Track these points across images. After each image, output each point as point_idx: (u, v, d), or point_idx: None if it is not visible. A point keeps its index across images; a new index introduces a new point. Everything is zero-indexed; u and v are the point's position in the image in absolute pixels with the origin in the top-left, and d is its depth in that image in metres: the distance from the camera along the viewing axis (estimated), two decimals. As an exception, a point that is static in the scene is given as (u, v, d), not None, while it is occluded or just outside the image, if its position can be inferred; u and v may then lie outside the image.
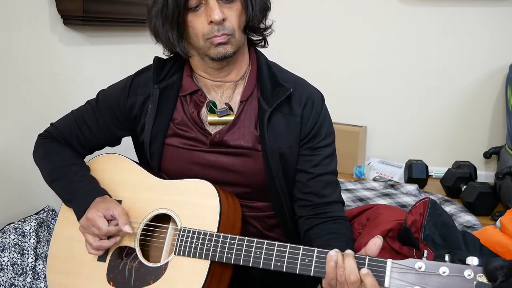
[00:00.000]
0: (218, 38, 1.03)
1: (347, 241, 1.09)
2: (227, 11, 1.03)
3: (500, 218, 1.70)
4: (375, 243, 0.90)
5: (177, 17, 1.04)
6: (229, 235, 1.02)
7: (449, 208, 2.22)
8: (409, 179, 2.61)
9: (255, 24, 1.09)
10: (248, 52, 1.17)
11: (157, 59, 1.18)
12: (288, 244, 0.96)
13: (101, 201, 1.12)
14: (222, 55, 1.05)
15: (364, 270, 0.87)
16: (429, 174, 2.68)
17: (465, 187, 2.35)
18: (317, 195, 1.15)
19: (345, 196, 2.39)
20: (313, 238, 1.11)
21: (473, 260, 0.81)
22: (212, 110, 1.14)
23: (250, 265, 0.99)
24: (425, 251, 0.86)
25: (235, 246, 1.01)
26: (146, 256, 1.13)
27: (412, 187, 2.47)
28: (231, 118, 1.13)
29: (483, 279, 0.79)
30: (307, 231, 1.15)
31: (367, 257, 0.88)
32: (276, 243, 0.97)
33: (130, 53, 2.07)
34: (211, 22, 1.02)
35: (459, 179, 2.42)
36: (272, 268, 0.96)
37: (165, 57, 1.20)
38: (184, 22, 1.06)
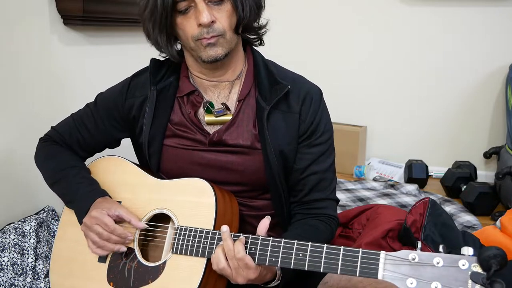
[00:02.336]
0: (207, 40, 1.03)
1: (313, 237, 1.09)
2: (216, 12, 1.03)
3: (500, 218, 1.70)
4: (263, 223, 0.99)
5: (165, 21, 1.04)
6: None
7: (449, 208, 2.22)
8: (409, 179, 2.61)
9: (247, 23, 1.08)
10: (243, 52, 1.17)
11: (153, 61, 1.19)
12: (283, 240, 0.96)
13: (103, 201, 1.13)
14: (213, 58, 1.06)
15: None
16: (429, 174, 2.68)
17: (465, 187, 2.35)
18: (305, 192, 1.16)
19: (345, 196, 2.39)
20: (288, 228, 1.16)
21: (468, 250, 0.80)
22: (209, 110, 1.14)
23: None
24: (419, 242, 0.85)
25: None
26: (145, 256, 1.13)
27: (412, 187, 2.47)
28: (228, 117, 1.13)
29: (477, 268, 0.78)
30: (292, 223, 1.18)
31: (360, 250, 0.88)
32: (271, 238, 0.97)
33: (130, 53, 2.07)
34: (200, 24, 1.02)
35: (459, 179, 2.42)
36: (267, 264, 0.97)
37: (162, 59, 1.20)
38: (174, 25, 1.06)
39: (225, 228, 0.98)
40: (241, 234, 0.99)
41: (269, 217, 1.00)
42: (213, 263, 0.99)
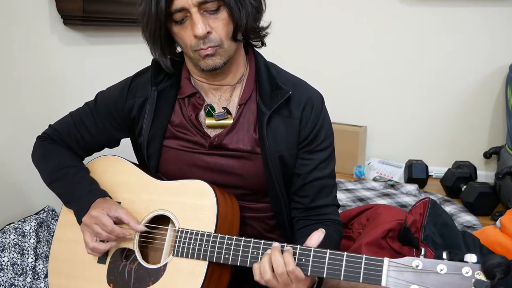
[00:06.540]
0: (205, 51, 1.02)
1: (330, 243, 1.08)
2: (212, 22, 1.01)
3: (500, 218, 1.70)
4: (318, 237, 0.95)
5: (159, 33, 1.04)
6: (227, 236, 1.02)
7: (449, 208, 2.22)
8: (409, 179, 2.60)
9: (246, 28, 1.06)
10: (244, 54, 1.16)
11: (155, 61, 1.18)
12: (286, 244, 0.95)
13: (104, 201, 1.13)
14: (211, 67, 1.05)
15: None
16: (429, 174, 2.67)
17: (465, 187, 2.35)
18: (311, 199, 1.15)
19: (345, 196, 2.39)
20: (298, 238, 1.13)
21: (471, 258, 0.81)
22: (210, 113, 1.13)
23: (248, 265, 0.99)
24: (423, 249, 0.86)
25: (232, 247, 1.01)
26: (145, 257, 1.13)
27: (412, 187, 2.47)
28: (229, 121, 1.13)
29: (481, 276, 0.79)
30: (297, 230, 1.16)
31: (364, 256, 0.88)
32: (273, 243, 0.96)
33: (130, 54, 2.07)
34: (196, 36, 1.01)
35: (459, 179, 2.42)
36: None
37: None
38: (171, 34, 1.06)
39: (276, 244, 0.95)
40: (286, 244, 0.95)
41: (323, 230, 0.96)
42: (255, 273, 0.95)
